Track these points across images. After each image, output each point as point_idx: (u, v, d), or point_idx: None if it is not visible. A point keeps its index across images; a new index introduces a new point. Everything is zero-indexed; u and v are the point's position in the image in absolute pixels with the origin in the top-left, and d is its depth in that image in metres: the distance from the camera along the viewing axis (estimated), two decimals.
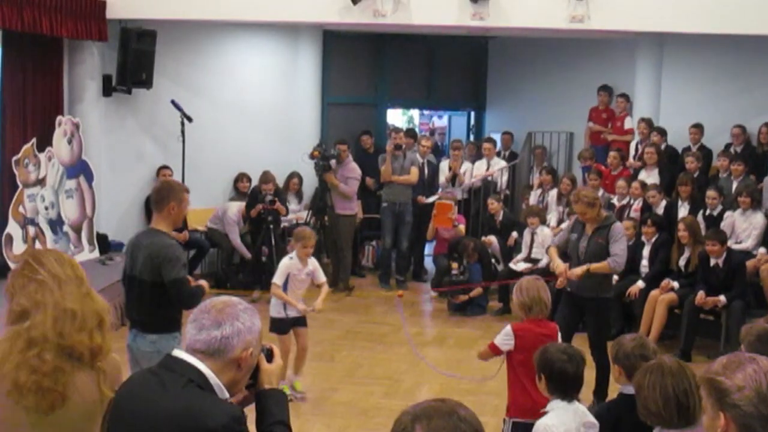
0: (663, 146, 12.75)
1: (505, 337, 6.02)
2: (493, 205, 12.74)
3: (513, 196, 14.49)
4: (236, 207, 12.84)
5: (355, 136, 14.41)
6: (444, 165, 13.74)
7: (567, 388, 4.75)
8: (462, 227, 12.70)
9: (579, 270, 7.93)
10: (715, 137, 13.05)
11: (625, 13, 11.75)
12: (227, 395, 3.06)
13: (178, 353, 3.07)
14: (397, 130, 13.70)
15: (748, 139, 12.83)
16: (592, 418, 4.79)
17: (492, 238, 12.59)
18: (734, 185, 11.57)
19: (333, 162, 12.68)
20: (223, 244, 12.88)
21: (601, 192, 12.29)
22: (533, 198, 13.16)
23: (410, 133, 14.42)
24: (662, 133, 12.94)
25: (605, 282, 8.10)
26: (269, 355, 3.31)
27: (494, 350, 6.14)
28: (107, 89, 12.45)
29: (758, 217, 10.84)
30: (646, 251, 10.85)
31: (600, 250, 7.91)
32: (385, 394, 8.58)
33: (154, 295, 6.03)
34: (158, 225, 6.17)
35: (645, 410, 4.01)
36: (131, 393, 3.10)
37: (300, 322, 8.46)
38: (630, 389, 4.35)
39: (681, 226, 10.54)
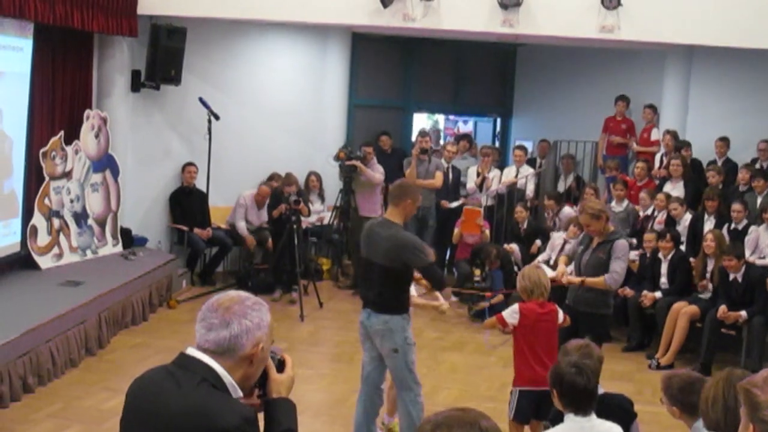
0: (689, 159, 12.70)
1: (512, 312, 6.86)
2: (521, 213, 12.72)
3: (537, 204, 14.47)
4: (250, 191, 12.92)
5: (374, 137, 14.40)
6: (472, 170, 13.73)
7: (578, 401, 4.64)
8: (488, 233, 12.69)
9: (574, 278, 7.86)
10: (742, 151, 12.98)
11: (655, 25, 11.72)
12: (240, 393, 3.05)
13: (192, 351, 3.05)
14: (424, 134, 13.69)
15: None
16: None
17: (514, 246, 12.57)
18: (759, 200, 11.51)
19: (358, 163, 12.68)
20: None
21: (625, 203, 12.29)
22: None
23: (467, 138, 14.57)
24: (687, 146, 12.90)
25: (603, 298, 7.86)
26: (280, 365, 3.26)
27: (501, 322, 6.94)
28: (136, 85, 12.52)
29: None
30: (664, 268, 10.80)
31: (598, 264, 7.74)
32: None
33: (390, 280, 6.83)
34: (392, 217, 6.91)
35: (709, 421, 3.84)
36: (145, 390, 3.08)
37: None
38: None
39: (709, 236, 10.49)
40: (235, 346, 3.01)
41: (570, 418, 4.63)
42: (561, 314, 7.01)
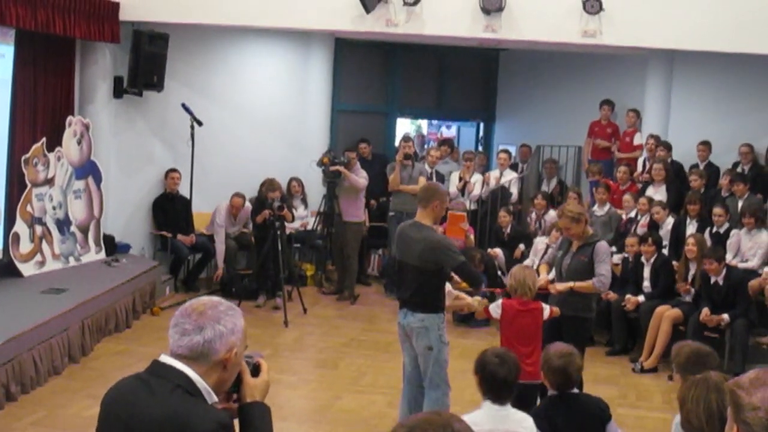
0: (668, 161, 12.75)
1: (496, 307, 7.40)
2: (505, 217, 12.76)
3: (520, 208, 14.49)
4: (224, 207, 12.82)
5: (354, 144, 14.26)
6: (454, 175, 13.75)
7: (497, 390, 4.96)
8: (472, 238, 12.70)
9: (561, 285, 7.83)
10: (724, 155, 13.04)
11: (637, 30, 11.76)
12: (215, 398, 3.03)
13: (165, 359, 3.03)
14: (407, 139, 13.70)
15: (756, 158, 12.83)
16: (528, 429, 4.95)
17: (498, 251, 12.59)
18: (739, 204, 11.57)
19: (341, 168, 12.68)
20: (227, 248, 12.85)
21: (608, 207, 12.33)
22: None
23: (448, 143, 14.61)
24: (668, 148, 12.95)
25: (586, 302, 7.89)
26: (255, 370, 3.24)
27: (487, 313, 7.63)
28: (118, 91, 12.48)
29: (763, 236, 10.83)
30: (646, 271, 10.85)
31: (582, 268, 7.78)
32: (388, 403, 8.54)
33: (425, 280, 7.05)
34: (423, 219, 7.15)
35: (687, 424, 3.99)
36: (119, 399, 3.06)
37: None
38: None
39: (691, 240, 10.55)
40: (209, 351, 3.00)
41: (487, 405, 4.95)
42: (547, 310, 7.38)
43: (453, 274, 7.27)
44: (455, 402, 8.36)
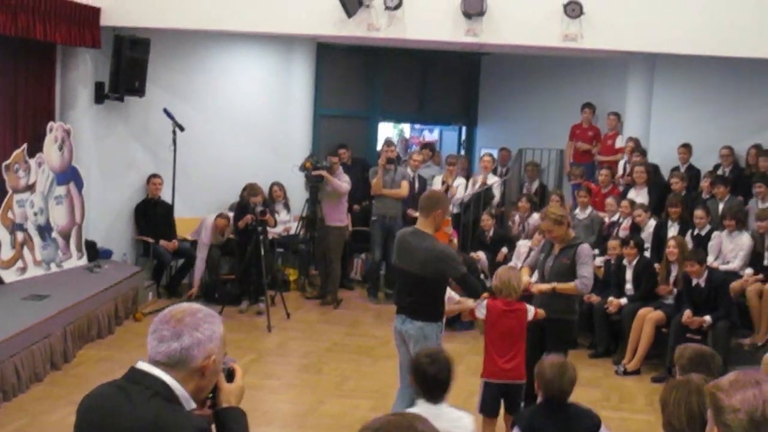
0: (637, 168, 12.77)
1: (481, 308, 7.37)
2: (487, 221, 12.77)
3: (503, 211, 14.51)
4: (210, 223, 12.70)
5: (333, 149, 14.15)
6: (437, 180, 13.76)
7: (429, 389, 5.08)
8: (455, 241, 12.71)
9: (544, 286, 7.84)
10: (705, 157, 13.11)
11: (617, 33, 11.80)
12: (193, 405, 3.03)
13: (143, 365, 3.03)
14: (390, 143, 13.70)
15: (737, 160, 12.90)
16: (463, 428, 5.05)
17: (481, 254, 12.62)
18: (720, 206, 11.63)
19: (324, 172, 12.66)
20: (211, 255, 12.82)
21: (589, 210, 12.36)
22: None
23: (430, 147, 14.62)
24: (643, 153, 13.02)
25: (569, 304, 7.90)
26: (230, 375, 3.25)
27: (472, 315, 7.64)
28: (99, 96, 12.43)
29: (744, 238, 10.89)
30: (629, 274, 10.88)
31: (564, 270, 7.79)
32: (372, 407, 8.54)
33: (426, 289, 7.07)
34: (424, 227, 7.18)
35: (669, 426, 4.01)
36: (95, 406, 3.04)
37: None
38: None
39: (672, 242, 10.60)
40: (187, 358, 3.00)
41: (421, 403, 5.07)
42: (531, 311, 7.40)
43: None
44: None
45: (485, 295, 7.57)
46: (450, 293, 7.70)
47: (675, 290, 10.55)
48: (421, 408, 4.99)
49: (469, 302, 7.66)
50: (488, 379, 7.27)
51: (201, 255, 12.62)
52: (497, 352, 7.23)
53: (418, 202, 7.61)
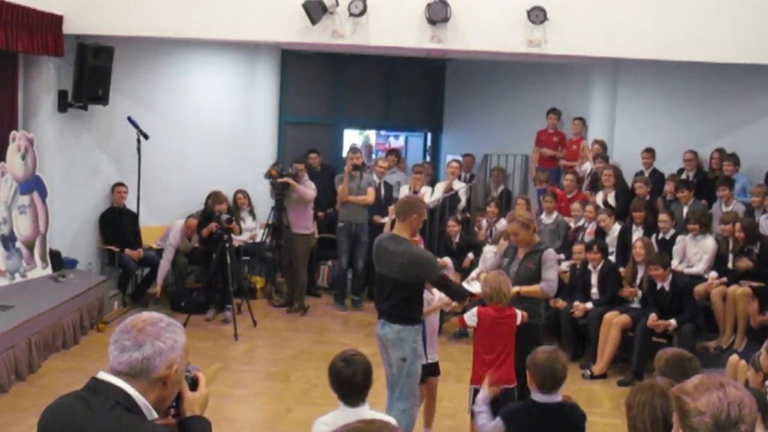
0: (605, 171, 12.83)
1: (471, 315, 7.29)
2: (453, 227, 12.79)
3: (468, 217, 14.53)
4: (179, 225, 12.73)
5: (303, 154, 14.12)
6: (404, 188, 13.75)
7: (344, 391, 5.04)
8: (422, 247, 12.68)
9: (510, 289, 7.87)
10: (669, 162, 13.22)
11: (581, 39, 11.86)
12: (155, 415, 3.01)
13: (104, 375, 3.01)
14: (355, 150, 13.71)
15: (700, 164, 13.01)
16: None
17: (447, 260, 12.60)
18: (684, 210, 11.72)
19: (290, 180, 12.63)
20: (177, 263, 12.77)
21: (555, 215, 12.41)
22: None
23: (395, 153, 14.65)
24: (606, 159, 13.11)
25: (534, 308, 7.86)
26: (193, 384, 3.23)
27: (462, 323, 7.70)
28: (63, 105, 12.32)
29: (708, 242, 10.98)
30: (594, 278, 10.93)
31: (529, 275, 7.81)
32: None
33: (403, 293, 7.05)
34: (401, 232, 7.19)
35: (633, 429, 4.04)
36: (57, 418, 3.01)
37: (433, 371, 8.01)
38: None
39: (639, 243, 10.66)
40: (148, 367, 2.98)
41: (341, 407, 5.03)
42: (519, 315, 7.38)
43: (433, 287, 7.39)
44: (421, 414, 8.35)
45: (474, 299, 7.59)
46: (429, 295, 7.73)
47: (640, 293, 10.62)
48: (341, 411, 4.98)
49: (445, 299, 7.71)
50: (478, 386, 7.09)
51: (167, 255, 12.58)
52: (491, 359, 7.20)
53: (396, 207, 7.60)
